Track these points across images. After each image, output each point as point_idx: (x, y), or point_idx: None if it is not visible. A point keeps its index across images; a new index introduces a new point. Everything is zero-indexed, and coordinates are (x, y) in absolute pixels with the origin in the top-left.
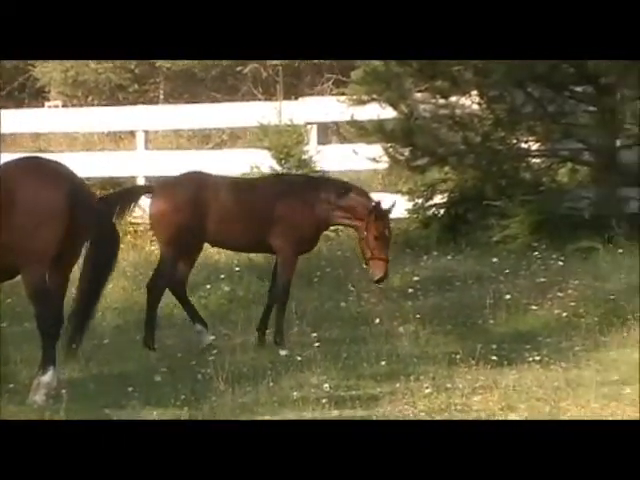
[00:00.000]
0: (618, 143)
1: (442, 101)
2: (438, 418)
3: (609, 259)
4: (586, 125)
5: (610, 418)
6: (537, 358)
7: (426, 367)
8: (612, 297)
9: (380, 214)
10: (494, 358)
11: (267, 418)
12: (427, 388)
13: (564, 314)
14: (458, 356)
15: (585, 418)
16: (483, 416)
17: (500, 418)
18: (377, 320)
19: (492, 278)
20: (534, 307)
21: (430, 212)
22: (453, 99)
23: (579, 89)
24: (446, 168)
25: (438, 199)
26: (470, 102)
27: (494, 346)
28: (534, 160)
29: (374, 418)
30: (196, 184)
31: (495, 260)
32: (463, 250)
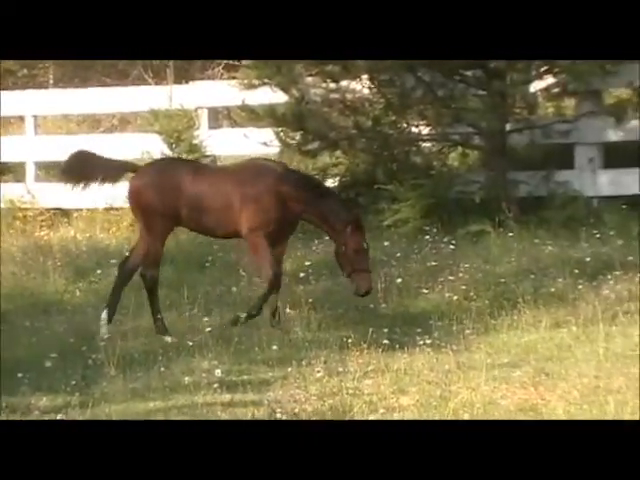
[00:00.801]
0: (508, 127)
1: (333, 85)
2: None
3: (499, 242)
4: (476, 109)
5: (500, 400)
6: (428, 341)
7: (318, 351)
8: (502, 280)
9: (358, 226)
10: (386, 342)
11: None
12: (319, 372)
13: (455, 297)
14: (350, 340)
15: (475, 401)
16: (375, 399)
17: (393, 402)
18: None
19: (384, 262)
20: (425, 291)
21: None
22: (344, 83)
23: (469, 73)
24: (337, 152)
25: (329, 183)
26: (361, 86)
27: (386, 330)
28: (425, 144)
29: (265, 402)
30: (171, 168)
31: (386, 244)
32: None
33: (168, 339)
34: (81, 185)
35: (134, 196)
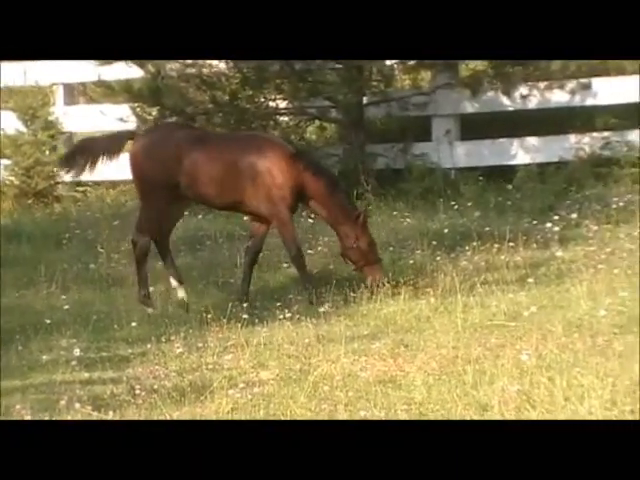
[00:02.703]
0: (365, 100)
1: (189, 60)
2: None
3: None
4: (333, 82)
5: (360, 372)
6: (288, 315)
7: (178, 327)
8: None
9: (366, 220)
10: (245, 316)
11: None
12: (178, 348)
13: (315, 271)
14: (209, 315)
15: (335, 373)
16: (234, 374)
17: (253, 377)
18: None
19: (243, 237)
20: (285, 265)
21: None
22: None
23: None
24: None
25: None
26: (217, 61)
27: (245, 304)
28: (282, 118)
29: (124, 379)
30: (171, 134)
31: (246, 218)
32: (213, 210)
33: (149, 310)
34: (88, 170)
35: (132, 163)
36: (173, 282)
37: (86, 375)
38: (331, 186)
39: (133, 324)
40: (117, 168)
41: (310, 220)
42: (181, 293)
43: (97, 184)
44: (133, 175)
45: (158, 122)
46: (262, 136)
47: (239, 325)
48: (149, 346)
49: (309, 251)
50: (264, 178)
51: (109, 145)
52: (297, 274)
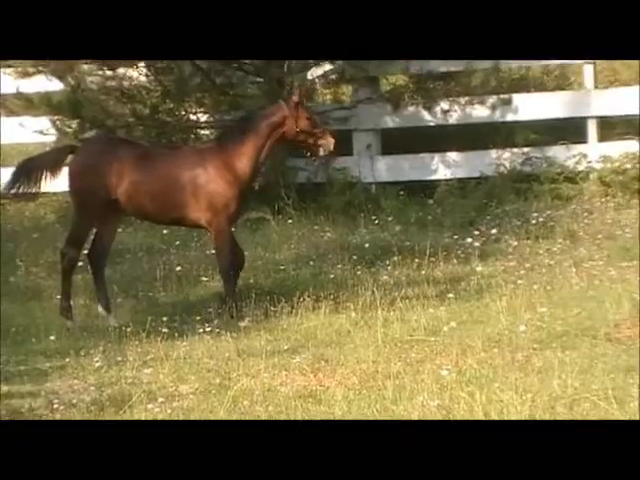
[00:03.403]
0: None
1: (109, 73)
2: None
3: (279, 229)
4: (254, 96)
5: (280, 387)
6: (208, 329)
7: (96, 341)
8: (282, 267)
9: (296, 101)
10: (165, 330)
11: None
12: (97, 362)
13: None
14: (129, 329)
15: (255, 388)
16: (154, 388)
17: (172, 391)
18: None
19: (163, 250)
20: (204, 279)
21: None
22: (121, 71)
23: (247, 61)
24: None
25: None
26: (138, 74)
27: (165, 318)
28: (203, 131)
29: (43, 393)
30: (110, 149)
31: (165, 232)
32: (133, 222)
33: (69, 323)
34: (34, 189)
35: (71, 177)
36: (101, 309)
37: (4, 388)
38: (241, 131)
39: (52, 337)
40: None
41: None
42: (112, 321)
43: (17, 197)
44: (71, 188)
45: (98, 136)
46: (200, 148)
47: (158, 339)
48: (68, 360)
49: None
50: (206, 189)
51: (50, 160)
52: (218, 288)
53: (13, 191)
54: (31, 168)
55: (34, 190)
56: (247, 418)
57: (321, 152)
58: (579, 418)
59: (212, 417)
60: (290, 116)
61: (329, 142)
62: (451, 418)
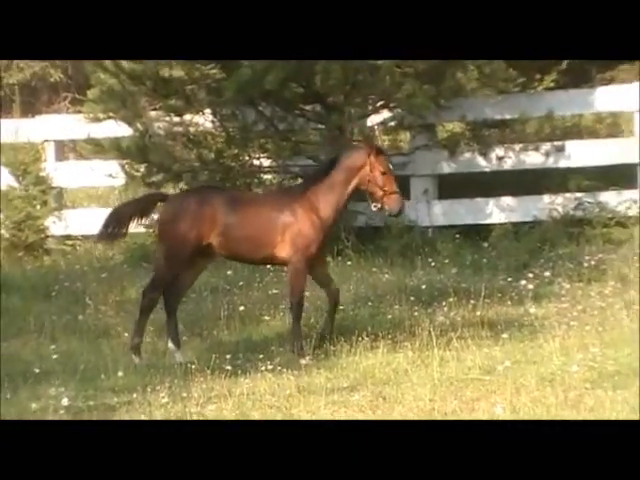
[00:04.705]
0: None
1: (176, 119)
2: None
3: (338, 271)
4: (315, 142)
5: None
6: (270, 367)
7: (163, 377)
8: (341, 307)
9: (379, 151)
10: (228, 368)
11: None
12: (163, 398)
13: None
14: (194, 366)
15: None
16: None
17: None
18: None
19: (226, 290)
20: (267, 318)
21: None
22: (187, 117)
23: (308, 107)
24: (181, 184)
25: None
26: (203, 120)
27: (228, 356)
28: (266, 176)
29: None
30: (203, 197)
31: (229, 273)
32: None
33: (137, 360)
34: (122, 233)
35: (163, 224)
36: (171, 345)
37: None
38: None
39: (120, 374)
40: None
41: None
42: (178, 357)
43: (86, 238)
44: (162, 234)
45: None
46: (287, 190)
47: (222, 376)
48: (135, 395)
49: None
50: (292, 229)
51: (140, 207)
52: (280, 327)
53: (104, 235)
54: (122, 214)
55: (122, 233)
56: None
57: (386, 211)
58: None
59: None
60: (367, 163)
61: (395, 206)
62: None
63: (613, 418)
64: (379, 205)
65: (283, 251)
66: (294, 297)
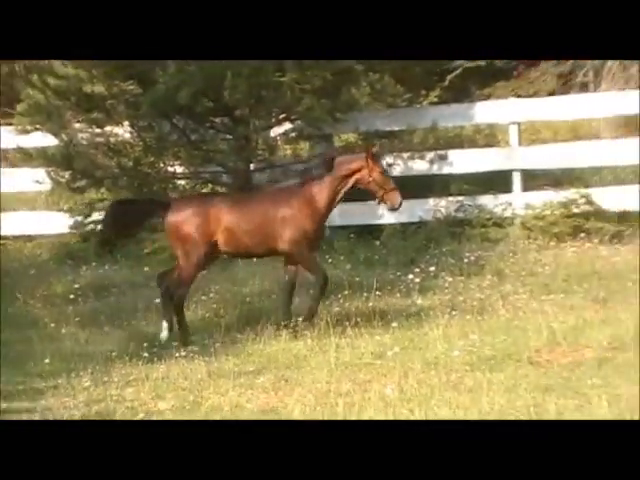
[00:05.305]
0: (252, 167)
1: (98, 130)
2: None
3: (245, 267)
4: (224, 151)
5: (246, 404)
6: (183, 354)
7: (85, 364)
8: (248, 300)
9: (374, 155)
10: (145, 355)
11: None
12: (86, 382)
13: (207, 314)
14: (114, 353)
15: (224, 405)
16: (136, 405)
17: (152, 407)
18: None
19: (144, 285)
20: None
21: (89, 228)
22: (108, 128)
23: (217, 120)
24: (102, 189)
25: (96, 216)
26: (122, 131)
27: (146, 344)
28: (180, 182)
29: (38, 409)
30: (206, 200)
31: (147, 269)
32: (119, 261)
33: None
34: (126, 234)
35: (173, 228)
36: (165, 324)
37: (4, 405)
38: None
39: (46, 361)
40: (34, 224)
41: (203, 272)
42: (163, 334)
43: (16, 238)
44: (174, 238)
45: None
46: (286, 187)
47: (140, 362)
48: (60, 380)
49: (202, 297)
50: (290, 222)
51: (146, 209)
52: (191, 316)
53: (114, 230)
54: (126, 211)
55: (133, 232)
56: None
57: (388, 206)
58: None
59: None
60: (366, 166)
61: (395, 201)
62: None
63: (489, 398)
64: (385, 203)
65: (284, 242)
66: (317, 273)
